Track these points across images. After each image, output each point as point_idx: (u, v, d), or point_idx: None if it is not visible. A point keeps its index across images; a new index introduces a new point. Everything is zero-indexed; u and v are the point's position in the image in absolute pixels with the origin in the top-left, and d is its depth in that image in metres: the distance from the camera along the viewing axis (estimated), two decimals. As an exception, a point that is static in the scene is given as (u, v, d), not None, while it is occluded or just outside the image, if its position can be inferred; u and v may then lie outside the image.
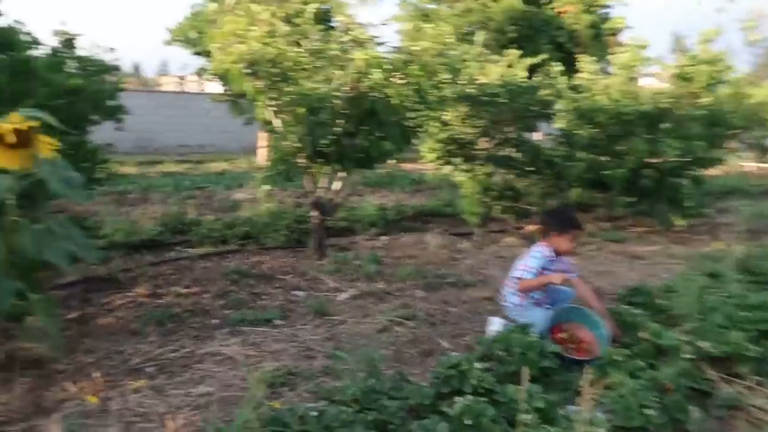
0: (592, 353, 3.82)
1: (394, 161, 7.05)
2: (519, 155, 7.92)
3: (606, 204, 9.60)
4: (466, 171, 7.93)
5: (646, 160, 8.26)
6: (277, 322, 4.39)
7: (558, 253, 4.26)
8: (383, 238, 7.43)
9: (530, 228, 8.68)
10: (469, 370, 3.20)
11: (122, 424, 2.92)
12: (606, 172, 8.25)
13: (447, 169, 8.06)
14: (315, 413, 2.77)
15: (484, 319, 4.68)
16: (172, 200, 9.37)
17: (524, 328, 3.84)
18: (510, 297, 4.37)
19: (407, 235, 7.73)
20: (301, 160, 5.95)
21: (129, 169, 14.00)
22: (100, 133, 5.42)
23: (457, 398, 3.00)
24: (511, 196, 8.49)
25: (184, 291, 4.99)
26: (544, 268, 4.26)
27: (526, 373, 2.45)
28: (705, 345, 3.91)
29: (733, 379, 3.79)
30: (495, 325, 4.14)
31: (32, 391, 3.20)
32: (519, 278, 4.28)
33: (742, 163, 18.78)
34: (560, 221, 4.27)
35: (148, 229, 7.02)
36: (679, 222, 8.69)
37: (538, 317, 4.06)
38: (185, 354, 3.76)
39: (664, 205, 8.53)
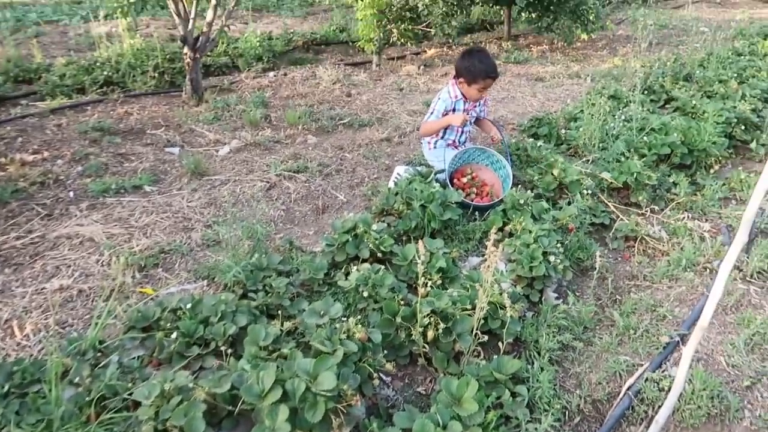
0: (495, 196, 3.61)
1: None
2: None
3: (508, 21, 9.10)
4: (359, -10, 7.00)
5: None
6: (148, 188, 3.81)
7: (466, 98, 3.83)
8: (271, 74, 6.63)
9: (431, 53, 8.12)
10: (366, 233, 2.89)
11: (-46, 341, 2.42)
12: (509, -14, 7.62)
13: (337, -12, 7.08)
14: (189, 305, 2.39)
15: (381, 165, 4.34)
16: (13, 39, 7.79)
17: (426, 177, 3.55)
18: (423, 139, 4.05)
19: (298, 68, 6.95)
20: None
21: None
22: None
23: (354, 266, 2.73)
24: (411, 17, 7.74)
25: (31, 158, 4.19)
26: (453, 110, 3.86)
27: (421, 248, 2.14)
28: (606, 176, 3.82)
29: (631, 209, 3.78)
30: (399, 171, 3.79)
31: None
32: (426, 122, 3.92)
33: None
34: (470, 71, 3.71)
35: (-18, 80, 5.81)
36: (582, 36, 8.42)
37: (448, 159, 3.75)
38: (34, 239, 3.17)
39: (567, 19, 8.15)
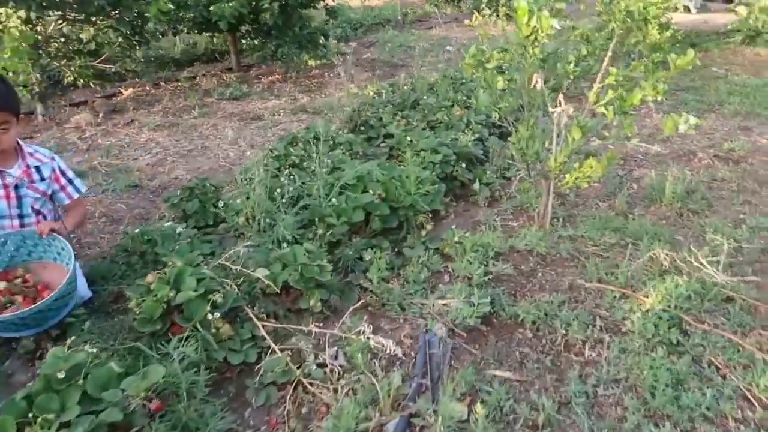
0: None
1: None
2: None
3: (236, 50, 7.77)
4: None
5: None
6: None
7: None
8: None
9: (127, 94, 6.46)
10: None
11: None
12: (212, 8, 6.27)
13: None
14: None
15: None
16: None
17: None
18: None
19: None
20: None
21: None
22: None
23: None
24: (89, 51, 6.00)
25: None
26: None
27: None
28: (261, 275, 2.52)
29: (305, 318, 2.54)
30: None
31: None
32: None
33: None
34: None
35: None
36: (312, 63, 7.38)
37: None
38: None
39: (291, 44, 7.03)
